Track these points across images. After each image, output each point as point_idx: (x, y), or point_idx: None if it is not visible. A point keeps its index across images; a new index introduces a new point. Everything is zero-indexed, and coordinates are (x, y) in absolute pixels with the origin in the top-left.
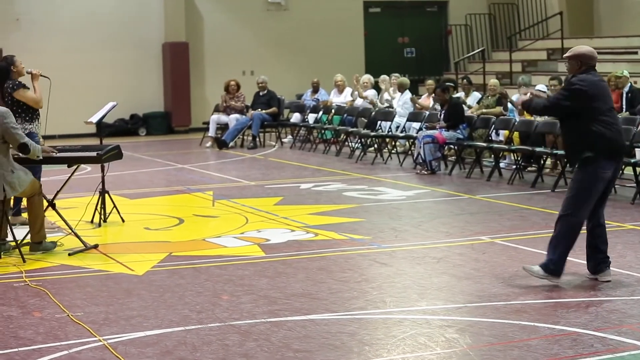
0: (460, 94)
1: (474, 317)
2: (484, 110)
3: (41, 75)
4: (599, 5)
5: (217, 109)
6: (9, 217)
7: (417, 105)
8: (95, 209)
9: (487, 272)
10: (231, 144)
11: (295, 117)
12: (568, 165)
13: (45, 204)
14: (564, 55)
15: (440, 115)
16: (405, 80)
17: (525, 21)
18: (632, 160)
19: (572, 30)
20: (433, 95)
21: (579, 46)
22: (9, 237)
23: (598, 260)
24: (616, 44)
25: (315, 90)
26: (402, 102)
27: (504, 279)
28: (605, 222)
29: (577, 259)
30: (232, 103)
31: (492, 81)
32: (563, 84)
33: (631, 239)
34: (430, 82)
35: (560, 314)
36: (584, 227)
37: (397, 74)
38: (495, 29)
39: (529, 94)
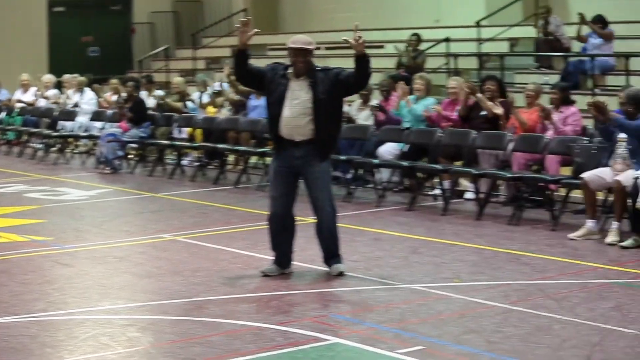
0: (143, 93)
1: (156, 315)
2: (171, 103)
3: None
4: (284, 2)
5: None
6: None
7: (103, 100)
8: None
9: (168, 269)
10: None
11: None
12: (320, 158)
13: None
14: (302, 48)
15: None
16: (83, 79)
17: (209, 18)
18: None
19: (256, 27)
20: (120, 92)
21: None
22: None
23: (289, 255)
24: None
25: None
26: (87, 99)
27: (186, 276)
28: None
29: (259, 254)
30: None
31: (176, 79)
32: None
33: (312, 233)
34: (114, 81)
35: (242, 309)
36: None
37: (76, 74)
38: (179, 27)
39: None
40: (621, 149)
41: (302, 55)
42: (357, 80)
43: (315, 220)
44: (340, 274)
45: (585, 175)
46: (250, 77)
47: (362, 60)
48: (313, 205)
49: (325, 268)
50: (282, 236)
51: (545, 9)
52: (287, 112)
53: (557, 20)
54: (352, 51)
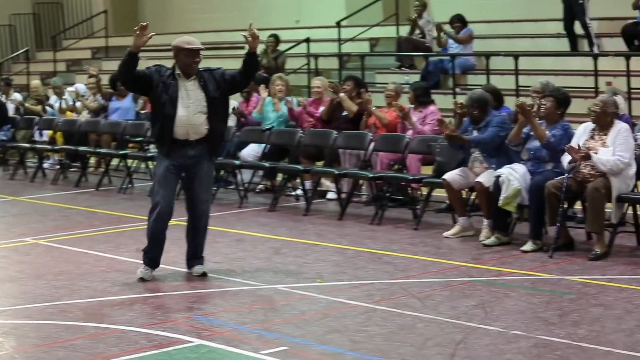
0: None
1: (18, 320)
2: (30, 107)
3: None
4: (144, 4)
5: None
6: None
7: None
8: None
9: (31, 273)
10: None
11: None
12: (210, 156)
13: None
14: (199, 48)
15: None
16: None
17: (70, 20)
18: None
19: (117, 29)
20: None
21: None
22: None
23: (159, 257)
24: (162, 41)
25: None
26: None
27: (48, 279)
28: None
29: (122, 257)
30: None
31: (34, 82)
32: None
33: (175, 235)
34: None
35: (105, 312)
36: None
37: None
38: (39, 29)
39: None
40: (476, 153)
41: (198, 55)
42: (245, 77)
43: (190, 220)
44: (203, 275)
45: (447, 176)
46: (137, 80)
47: (254, 57)
48: (192, 204)
49: (187, 270)
50: (162, 236)
51: (421, 1)
52: (182, 112)
53: (429, 17)
54: (211, 52)
